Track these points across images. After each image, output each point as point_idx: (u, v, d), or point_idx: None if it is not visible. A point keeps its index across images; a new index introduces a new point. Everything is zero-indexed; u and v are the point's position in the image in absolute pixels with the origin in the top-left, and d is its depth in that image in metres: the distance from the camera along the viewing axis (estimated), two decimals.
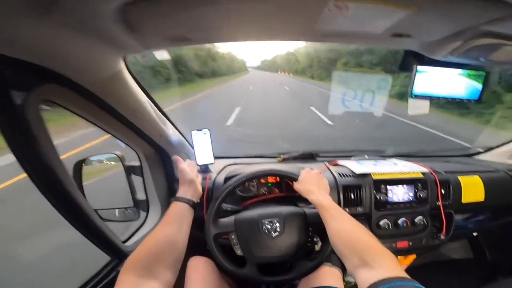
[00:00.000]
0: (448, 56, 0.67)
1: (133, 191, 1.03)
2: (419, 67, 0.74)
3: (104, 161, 1.03)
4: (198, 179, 0.86)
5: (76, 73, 0.57)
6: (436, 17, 0.51)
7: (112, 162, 1.03)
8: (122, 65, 0.67)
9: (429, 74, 0.75)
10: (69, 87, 0.58)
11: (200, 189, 0.84)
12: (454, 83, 0.76)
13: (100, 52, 0.56)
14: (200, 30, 0.58)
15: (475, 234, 1.38)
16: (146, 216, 1.09)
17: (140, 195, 1.07)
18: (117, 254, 0.86)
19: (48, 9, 0.37)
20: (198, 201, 0.82)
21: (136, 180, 1.05)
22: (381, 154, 1.38)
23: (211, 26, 0.56)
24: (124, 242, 0.92)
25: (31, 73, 0.49)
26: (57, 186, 0.57)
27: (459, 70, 0.75)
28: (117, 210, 1.04)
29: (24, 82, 0.48)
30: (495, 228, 1.37)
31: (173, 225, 0.67)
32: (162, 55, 0.72)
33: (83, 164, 0.92)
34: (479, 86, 0.76)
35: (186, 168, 0.84)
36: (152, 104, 0.91)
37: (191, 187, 0.81)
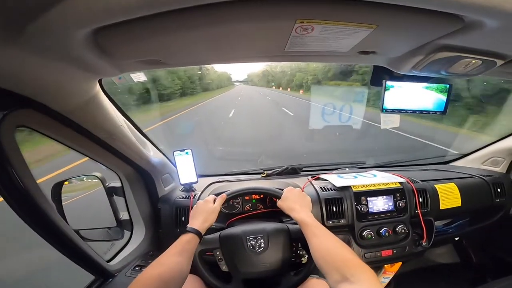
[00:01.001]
0: (412, 70, 0.70)
1: (115, 211, 1.02)
2: (388, 82, 0.78)
3: (84, 182, 1.02)
4: (209, 210, 0.86)
5: (50, 98, 0.56)
6: (396, 34, 0.54)
7: (94, 180, 1.01)
8: (97, 88, 0.67)
9: (397, 88, 0.79)
10: (44, 112, 0.58)
11: (212, 219, 0.85)
12: (421, 96, 0.80)
13: (74, 76, 0.56)
14: (173, 54, 0.59)
15: (457, 238, 1.42)
16: (131, 235, 1.08)
17: (123, 215, 1.06)
18: (102, 274, 0.85)
19: (16, 34, 0.37)
20: (212, 226, 0.85)
21: (119, 200, 1.03)
22: (361, 166, 1.43)
23: (184, 51, 0.57)
24: (109, 261, 0.91)
25: (4, 99, 0.49)
26: (33, 208, 0.57)
27: (425, 84, 0.79)
28: (100, 230, 1.03)
29: None
30: (477, 231, 1.41)
31: (183, 256, 0.69)
32: (139, 77, 0.72)
33: (63, 185, 0.91)
34: (444, 98, 0.80)
35: (199, 203, 0.89)
36: (131, 126, 0.91)
37: (199, 218, 0.82)
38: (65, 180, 0.93)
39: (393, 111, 0.81)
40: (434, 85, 0.79)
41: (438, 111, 0.80)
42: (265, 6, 0.40)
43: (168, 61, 0.63)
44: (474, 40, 0.53)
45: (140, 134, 0.97)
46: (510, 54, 0.60)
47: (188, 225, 0.80)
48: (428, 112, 0.81)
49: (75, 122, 0.66)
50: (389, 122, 0.87)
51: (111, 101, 0.76)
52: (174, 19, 0.41)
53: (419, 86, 0.79)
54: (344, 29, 0.49)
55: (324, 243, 0.69)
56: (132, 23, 0.40)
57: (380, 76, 0.79)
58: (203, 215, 0.83)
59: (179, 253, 0.69)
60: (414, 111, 0.81)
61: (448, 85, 0.79)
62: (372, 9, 0.41)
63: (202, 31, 0.47)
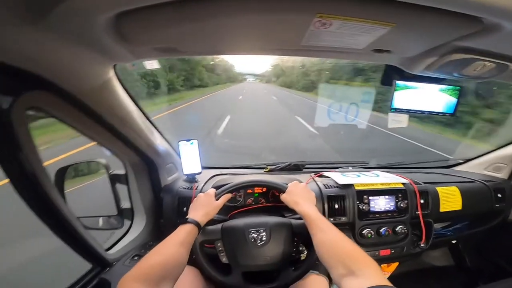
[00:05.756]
0: (425, 71, 0.71)
1: (117, 200, 1.02)
2: (399, 82, 0.78)
3: (88, 168, 1.02)
4: (212, 205, 0.87)
5: (66, 80, 0.57)
6: (412, 34, 0.54)
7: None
8: (111, 73, 0.68)
9: (407, 89, 0.79)
10: (57, 94, 0.58)
11: (213, 214, 0.87)
12: (431, 97, 0.80)
13: (91, 60, 0.56)
14: (190, 42, 0.59)
15: (454, 241, 1.43)
16: (131, 225, 1.08)
17: (125, 204, 1.06)
18: (100, 262, 0.85)
19: (41, 17, 0.37)
20: (213, 217, 0.87)
21: (121, 188, 1.03)
22: (364, 166, 1.43)
23: (201, 40, 0.57)
24: (107, 250, 0.91)
25: (19, 79, 0.49)
26: (38, 192, 0.57)
27: (436, 85, 0.79)
28: (100, 218, 1.03)
29: (11, 87, 0.48)
30: (474, 235, 1.42)
31: (184, 246, 0.69)
32: (152, 64, 0.72)
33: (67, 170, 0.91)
34: (454, 100, 0.80)
35: (200, 196, 0.90)
36: (141, 113, 0.91)
37: (199, 211, 0.83)
38: (69, 166, 0.93)
39: (401, 111, 0.82)
40: (445, 86, 0.79)
41: (447, 113, 0.80)
42: None
43: (183, 49, 0.63)
44: (490, 43, 0.53)
45: (148, 123, 0.97)
46: None
47: (188, 216, 0.80)
48: (437, 113, 0.81)
49: (87, 106, 0.66)
50: (397, 121, 0.87)
51: (123, 88, 0.76)
52: (194, 7, 0.41)
53: (430, 87, 0.79)
54: (362, 26, 0.49)
55: (329, 237, 0.69)
56: (152, 10, 0.41)
57: (391, 76, 0.79)
58: (204, 209, 0.84)
59: (180, 243, 0.69)
60: (423, 112, 0.81)
61: (459, 87, 0.79)
62: (392, 8, 0.41)
63: (220, 20, 0.47)
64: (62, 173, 0.90)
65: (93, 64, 0.59)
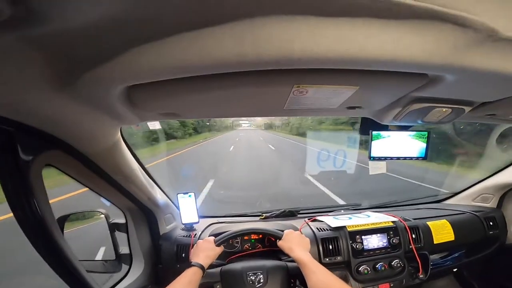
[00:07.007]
0: (393, 121, 0.79)
1: (115, 246, 1.06)
2: (374, 132, 0.86)
3: (88, 218, 1.06)
4: (212, 250, 0.93)
5: (79, 141, 0.64)
6: (375, 92, 0.63)
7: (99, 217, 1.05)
8: (118, 134, 0.75)
9: (383, 138, 0.86)
10: (70, 154, 0.65)
11: (213, 257, 0.92)
12: (404, 144, 0.87)
13: (102, 123, 0.63)
14: (190, 109, 0.68)
15: (455, 270, 1.43)
16: (129, 269, 1.10)
17: (123, 249, 1.09)
18: None
19: (66, 85, 0.43)
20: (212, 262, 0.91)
21: (119, 234, 1.07)
22: (356, 208, 1.48)
23: (200, 107, 0.66)
24: None
25: (39, 139, 0.56)
26: (48, 239, 0.61)
27: (407, 132, 0.87)
28: (97, 262, 1.06)
29: (32, 146, 0.55)
30: (476, 262, 1.42)
31: (191, 286, 0.76)
32: (154, 125, 0.80)
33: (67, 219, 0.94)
34: (424, 145, 0.87)
35: (199, 242, 0.97)
36: (142, 170, 0.97)
37: (201, 255, 0.89)
38: (70, 214, 0.97)
39: (380, 158, 0.88)
40: (414, 132, 0.87)
41: (419, 157, 0.87)
42: (269, 75, 0.49)
43: (184, 114, 0.72)
44: (440, 91, 0.60)
45: (149, 178, 1.03)
46: (475, 101, 0.68)
47: (191, 260, 0.85)
48: (411, 158, 0.88)
49: (96, 165, 0.72)
50: (377, 168, 0.94)
51: (127, 147, 0.83)
52: (194, 82, 0.50)
53: (402, 134, 0.87)
54: (332, 91, 0.58)
55: (322, 278, 0.75)
56: (160, 83, 0.48)
57: (367, 126, 0.86)
58: (204, 252, 0.89)
59: (187, 283, 0.75)
60: (398, 158, 0.88)
61: (426, 132, 0.87)
62: (353, 74, 0.50)
63: (214, 92, 0.56)
64: (63, 221, 0.94)
65: (104, 127, 0.65)
